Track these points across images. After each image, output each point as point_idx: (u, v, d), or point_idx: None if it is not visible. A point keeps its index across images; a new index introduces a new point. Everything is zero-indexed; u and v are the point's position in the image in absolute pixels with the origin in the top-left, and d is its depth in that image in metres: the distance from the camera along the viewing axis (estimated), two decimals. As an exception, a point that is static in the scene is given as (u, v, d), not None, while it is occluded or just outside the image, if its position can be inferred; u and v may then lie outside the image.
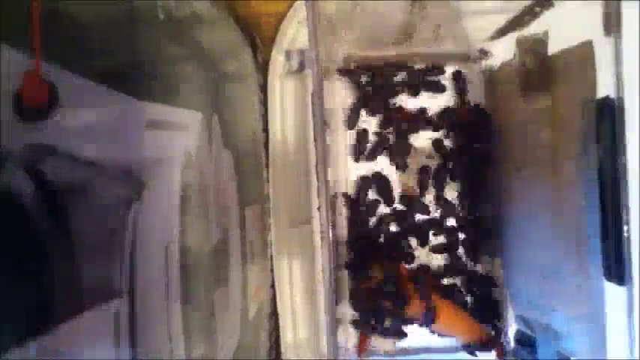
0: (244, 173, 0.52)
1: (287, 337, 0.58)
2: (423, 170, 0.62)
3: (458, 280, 0.63)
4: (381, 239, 0.62)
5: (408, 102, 0.62)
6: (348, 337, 0.61)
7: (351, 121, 0.61)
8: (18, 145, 0.25)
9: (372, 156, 0.62)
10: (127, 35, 0.34)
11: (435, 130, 0.62)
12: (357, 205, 0.62)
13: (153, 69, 0.36)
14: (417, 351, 0.62)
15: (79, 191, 0.29)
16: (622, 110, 0.36)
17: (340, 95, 0.62)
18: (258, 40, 0.58)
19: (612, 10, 0.37)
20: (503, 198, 0.60)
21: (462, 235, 0.63)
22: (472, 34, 0.58)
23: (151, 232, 0.35)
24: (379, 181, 0.62)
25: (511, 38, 0.53)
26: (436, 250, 0.63)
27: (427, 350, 0.62)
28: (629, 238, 0.36)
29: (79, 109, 0.29)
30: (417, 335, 0.61)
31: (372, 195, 0.62)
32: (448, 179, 0.62)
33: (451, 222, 0.63)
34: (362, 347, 0.61)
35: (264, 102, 0.57)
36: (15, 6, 0.25)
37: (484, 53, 0.61)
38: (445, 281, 0.63)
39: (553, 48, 0.47)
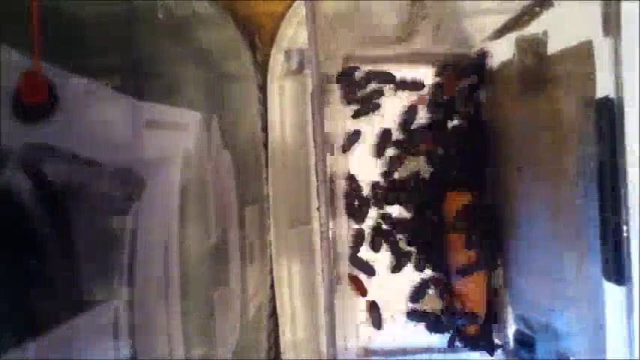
0: (244, 173, 0.52)
1: (286, 337, 0.58)
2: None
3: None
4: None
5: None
6: (348, 336, 0.61)
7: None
8: (18, 145, 0.25)
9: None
10: (127, 35, 0.34)
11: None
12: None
13: (153, 69, 0.36)
14: (417, 351, 0.62)
15: (79, 191, 0.29)
16: (621, 110, 0.36)
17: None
18: (258, 40, 0.58)
19: (612, 10, 0.37)
20: (503, 198, 0.60)
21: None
22: (472, 34, 0.58)
23: (151, 232, 0.35)
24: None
25: (510, 38, 0.53)
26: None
27: (427, 350, 0.62)
28: (628, 238, 0.36)
29: (79, 109, 0.29)
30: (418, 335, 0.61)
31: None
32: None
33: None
34: (361, 287, 0.63)
35: (264, 102, 0.57)
36: (15, 6, 0.25)
37: (484, 53, 0.61)
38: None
39: (552, 48, 0.47)
